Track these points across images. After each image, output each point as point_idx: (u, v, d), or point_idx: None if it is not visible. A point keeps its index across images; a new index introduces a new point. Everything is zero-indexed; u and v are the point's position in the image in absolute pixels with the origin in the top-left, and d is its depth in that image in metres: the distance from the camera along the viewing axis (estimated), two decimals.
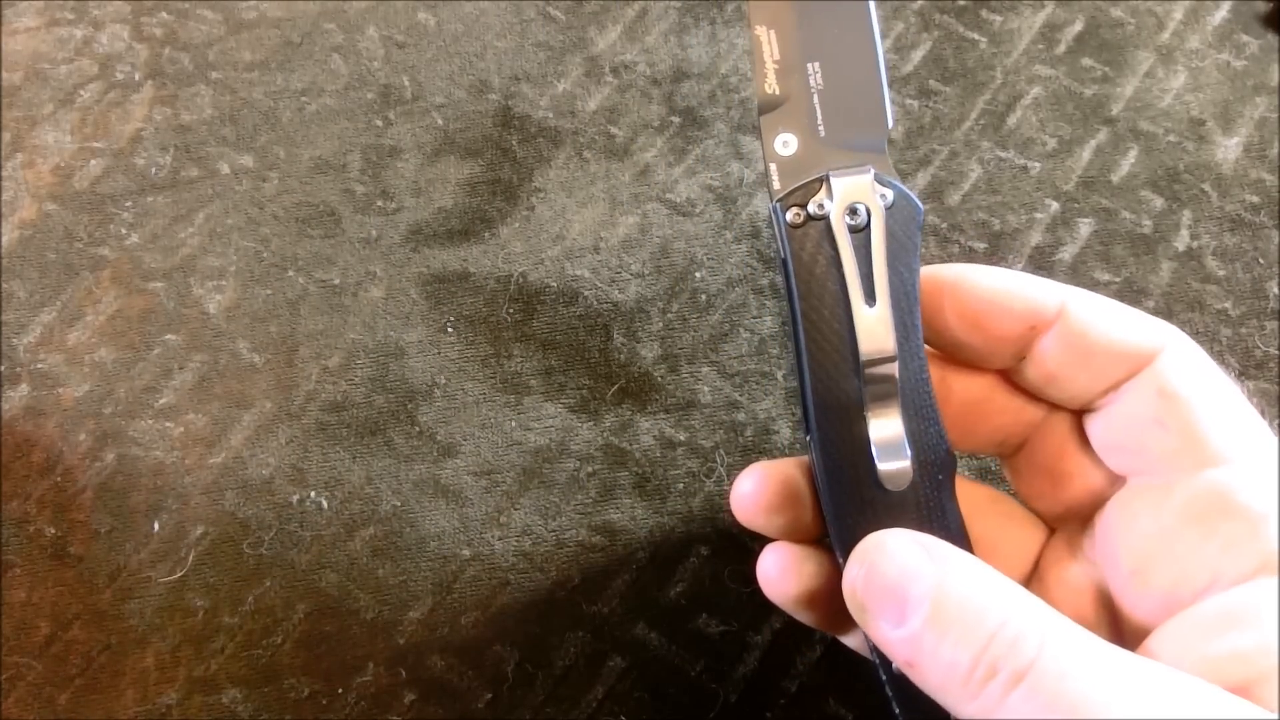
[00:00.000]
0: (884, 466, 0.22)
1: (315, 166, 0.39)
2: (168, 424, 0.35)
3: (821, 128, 0.24)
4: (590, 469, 0.34)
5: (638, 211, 0.38)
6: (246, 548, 0.33)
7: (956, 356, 0.25)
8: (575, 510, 0.34)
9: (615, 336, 0.36)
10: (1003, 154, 0.38)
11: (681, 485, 0.34)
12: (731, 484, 0.32)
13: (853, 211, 0.23)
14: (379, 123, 0.39)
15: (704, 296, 0.37)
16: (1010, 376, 0.25)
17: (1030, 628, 0.19)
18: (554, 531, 0.33)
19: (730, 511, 0.33)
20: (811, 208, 0.23)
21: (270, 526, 0.33)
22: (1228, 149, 0.38)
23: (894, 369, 0.22)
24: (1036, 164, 0.38)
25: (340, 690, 0.32)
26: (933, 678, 0.19)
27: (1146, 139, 0.38)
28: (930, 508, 0.23)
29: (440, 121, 0.39)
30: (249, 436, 0.35)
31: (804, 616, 0.26)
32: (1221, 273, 0.36)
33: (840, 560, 0.23)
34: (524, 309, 0.36)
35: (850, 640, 0.27)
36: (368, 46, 0.41)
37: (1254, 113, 0.39)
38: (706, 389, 0.35)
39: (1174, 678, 0.18)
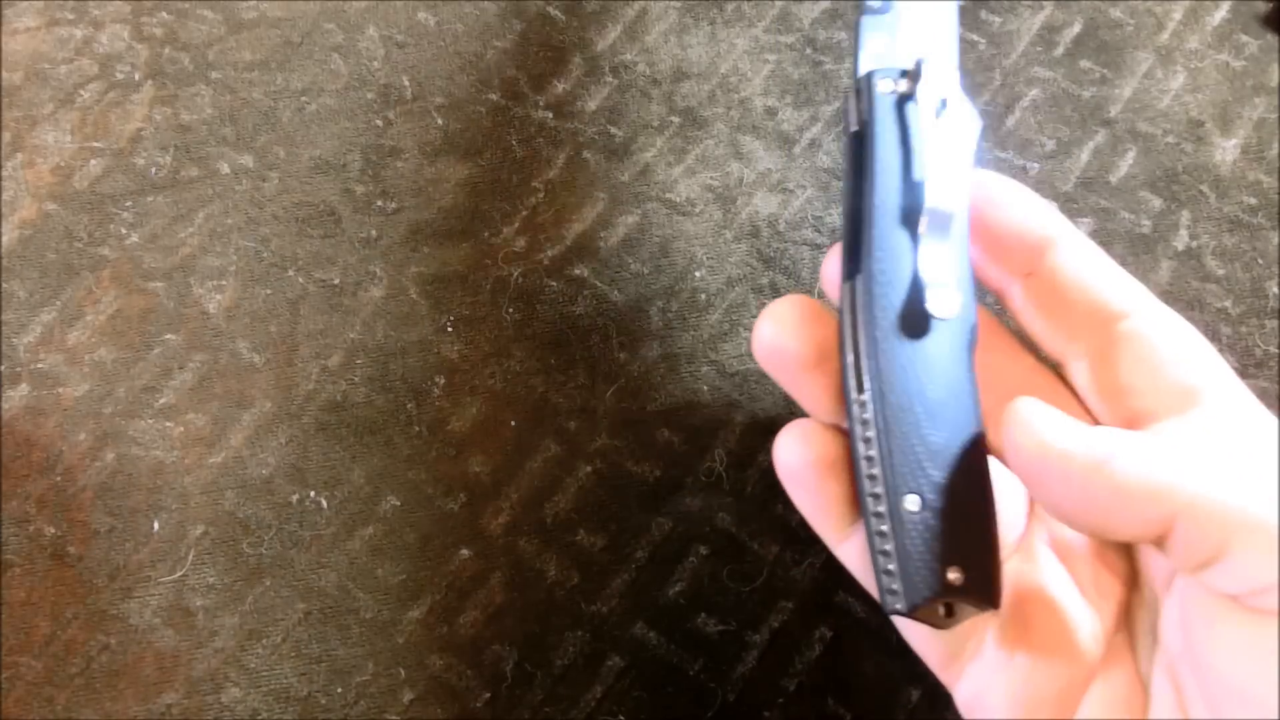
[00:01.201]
0: (933, 294, 0.24)
1: (315, 166, 0.39)
2: (168, 424, 0.35)
3: (909, 40, 0.27)
4: (590, 468, 0.34)
5: (637, 211, 0.38)
6: (246, 547, 0.33)
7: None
8: (574, 510, 0.34)
9: (615, 336, 0.36)
10: (1001, 155, 0.38)
11: (681, 485, 0.34)
12: (732, 480, 0.32)
13: (938, 99, 0.25)
14: (379, 123, 0.39)
15: (703, 296, 0.37)
16: (1010, 300, 0.27)
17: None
18: (553, 531, 0.33)
19: (729, 511, 0.34)
20: (902, 85, 0.25)
21: (270, 526, 0.34)
22: (1226, 150, 0.38)
23: (951, 222, 0.24)
24: (1035, 165, 0.38)
25: (339, 689, 0.32)
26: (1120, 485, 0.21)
27: (1145, 140, 0.38)
28: (966, 343, 0.24)
29: (440, 121, 0.39)
30: (249, 436, 0.35)
31: (820, 500, 0.26)
32: (1221, 272, 0.36)
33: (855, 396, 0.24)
34: (524, 309, 0.36)
35: (847, 550, 0.27)
36: (368, 46, 0.41)
37: (1253, 114, 0.39)
38: (706, 388, 0.35)
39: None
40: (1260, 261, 0.36)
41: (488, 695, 0.32)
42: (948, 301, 0.24)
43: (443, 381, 0.35)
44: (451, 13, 0.41)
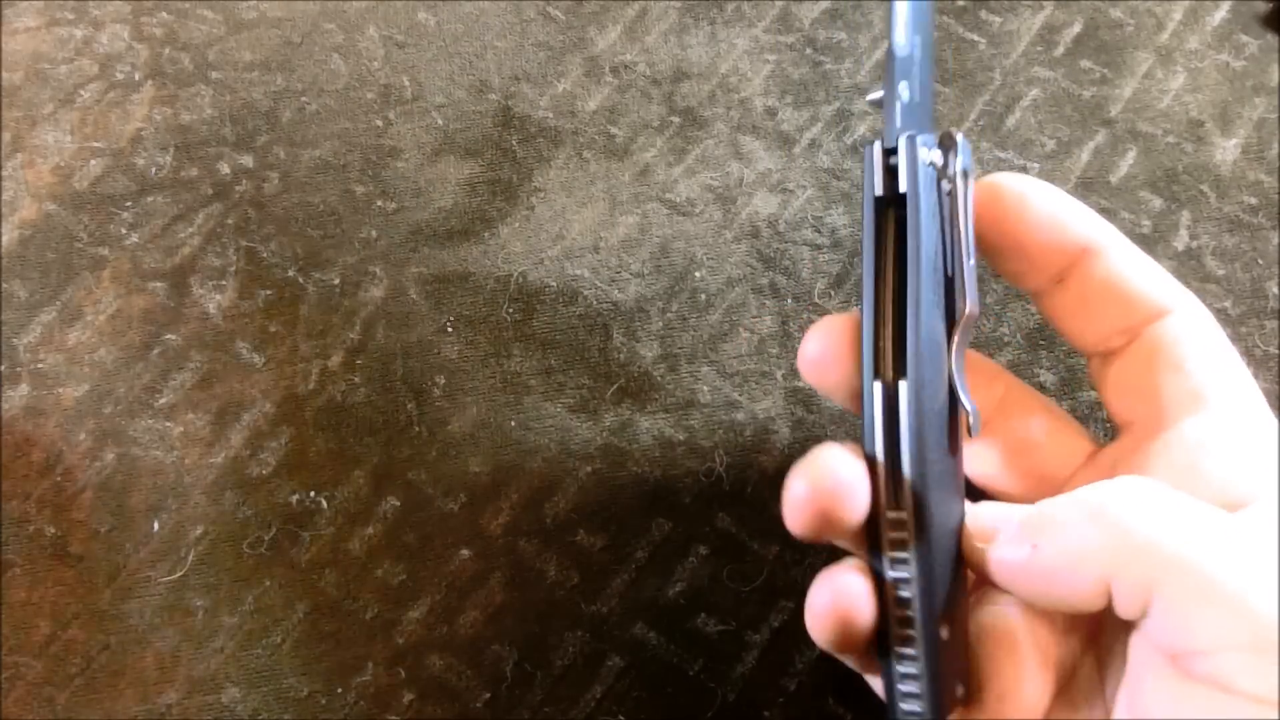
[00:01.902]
0: (972, 411, 0.23)
1: (315, 166, 0.39)
2: (168, 424, 0.35)
3: (917, 93, 0.25)
4: (590, 468, 0.34)
5: (637, 211, 0.38)
6: (246, 548, 0.33)
7: (994, 266, 0.26)
8: (574, 510, 0.34)
9: (615, 336, 0.36)
10: (1002, 155, 0.38)
11: (681, 485, 0.34)
12: (732, 480, 0.32)
13: (964, 172, 0.24)
14: (379, 123, 0.39)
15: (704, 296, 0.37)
16: (1040, 300, 0.26)
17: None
18: (553, 531, 0.33)
19: (728, 511, 0.34)
20: (941, 158, 0.24)
21: (270, 526, 0.34)
22: (1226, 150, 0.38)
23: (973, 321, 0.24)
24: (1035, 165, 0.38)
25: (339, 690, 0.32)
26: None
27: (1145, 140, 0.38)
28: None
29: (440, 121, 0.39)
30: (249, 436, 0.35)
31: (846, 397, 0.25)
32: (1221, 272, 0.36)
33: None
34: (524, 309, 0.36)
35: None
36: (368, 46, 0.41)
37: (1253, 114, 0.39)
38: (706, 389, 0.35)
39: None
40: (1260, 261, 0.36)
41: (488, 695, 0.32)
42: (976, 418, 0.24)
43: (443, 381, 0.35)
44: (451, 13, 0.41)
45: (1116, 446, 0.26)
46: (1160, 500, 0.21)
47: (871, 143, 0.24)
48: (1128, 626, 0.22)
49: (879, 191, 0.24)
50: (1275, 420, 0.24)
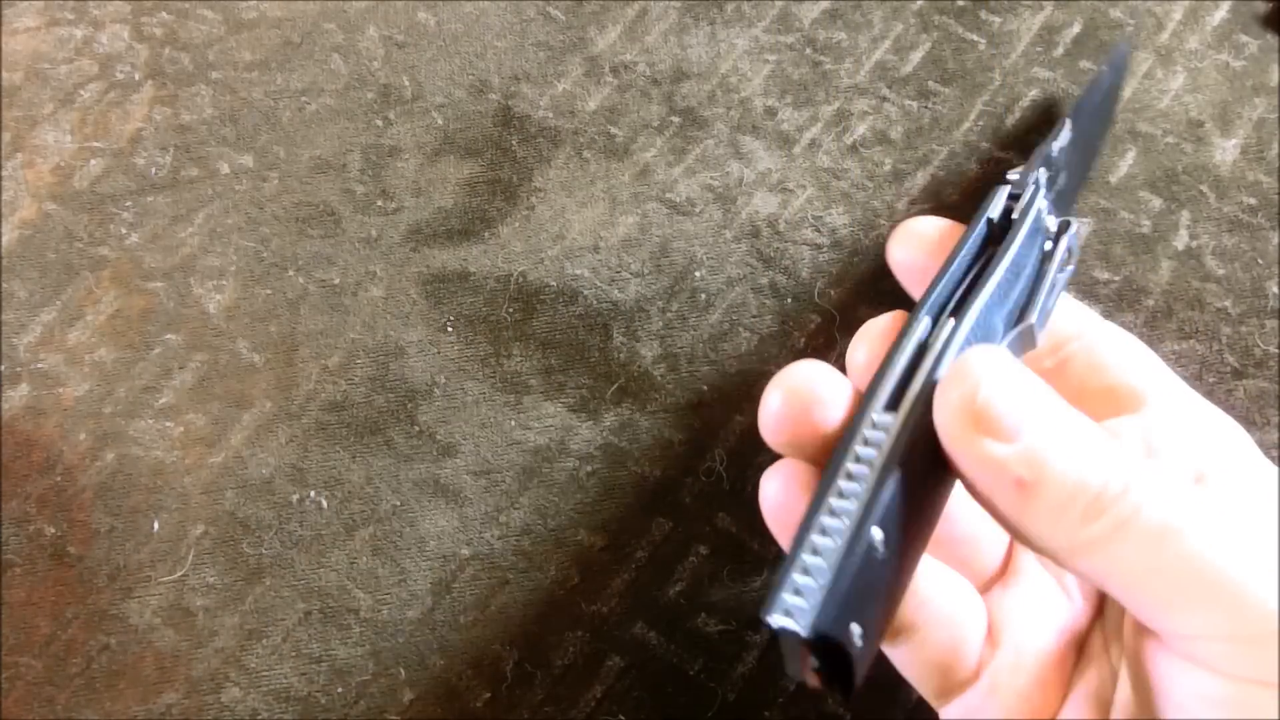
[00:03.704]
0: None
1: (315, 166, 0.39)
2: (168, 424, 0.35)
3: (1052, 190, 0.29)
4: (590, 468, 0.34)
5: (637, 211, 0.38)
6: (246, 547, 0.33)
7: None
8: (575, 510, 0.34)
9: (615, 336, 0.36)
10: (1001, 155, 0.38)
11: (681, 485, 0.34)
12: (732, 480, 0.32)
13: (1070, 250, 0.27)
14: (379, 123, 0.39)
15: (704, 296, 0.37)
16: None
17: (1145, 470, 0.20)
18: (553, 531, 0.33)
19: (728, 511, 0.34)
20: (1050, 221, 0.27)
21: (270, 526, 0.34)
22: (1226, 150, 0.38)
23: (1026, 349, 0.26)
24: None
25: (339, 689, 0.32)
26: (1052, 497, 0.19)
27: (1145, 140, 0.38)
28: None
29: (440, 121, 0.39)
30: (249, 436, 0.35)
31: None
32: (1221, 272, 0.36)
33: None
34: (524, 308, 0.36)
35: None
36: (368, 46, 0.41)
37: (1252, 114, 0.39)
38: (706, 389, 0.35)
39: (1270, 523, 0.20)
40: (1260, 261, 0.36)
41: (488, 695, 0.32)
42: None
43: (443, 381, 0.35)
44: (451, 13, 0.41)
45: None
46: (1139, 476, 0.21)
47: (1001, 187, 0.27)
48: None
49: (994, 215, 0.27)
50: (1212, 406, 0.24)
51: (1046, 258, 0.27)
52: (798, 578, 0.20)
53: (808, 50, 0.40)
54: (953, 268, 0.26)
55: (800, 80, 0.40)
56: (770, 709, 0.31)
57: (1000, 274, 0.25)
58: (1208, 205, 0.37)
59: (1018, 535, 0.21)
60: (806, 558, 0.20)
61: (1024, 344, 0.25)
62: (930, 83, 0.40)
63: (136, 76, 0.40)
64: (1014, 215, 0.27)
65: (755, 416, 0.26)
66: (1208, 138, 0.38)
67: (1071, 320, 0.27)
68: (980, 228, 0.26)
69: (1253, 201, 0.37)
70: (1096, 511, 0.19)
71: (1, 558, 0.33)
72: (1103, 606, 0.25)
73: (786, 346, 0.36)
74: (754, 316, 0.36)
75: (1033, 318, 0.25)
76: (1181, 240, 0.37)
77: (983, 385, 0.20)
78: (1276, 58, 0.40)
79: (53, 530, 0.33)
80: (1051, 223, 0.27)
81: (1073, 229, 0.27)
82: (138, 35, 0.41)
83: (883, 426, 0.22)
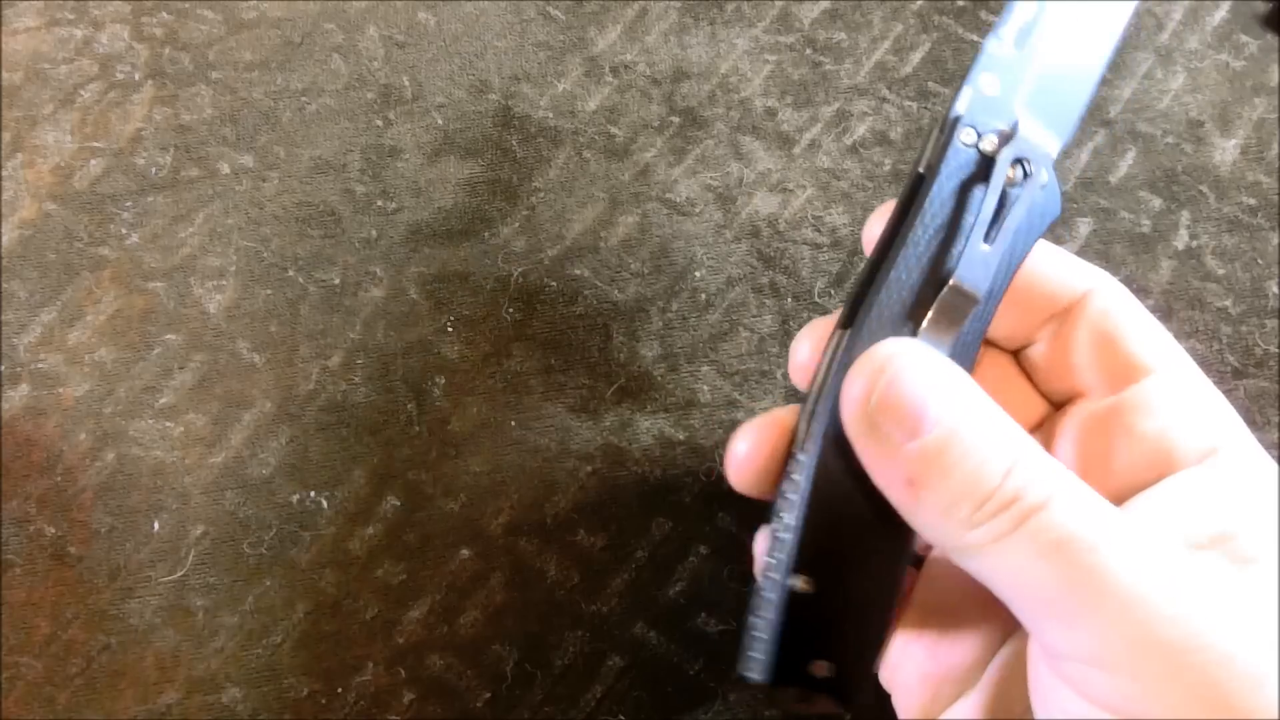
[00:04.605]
0: None
1: (315, 166, 0.39)
2: (168, 424, 0.35)
3: (1024, 100, 0.24)
4: (590, 468, 0.34)
5: (637, 211, 0.38)
6: (246, 548, 0.33)
7: None
8: (574, 510, 0.34)
9: (615, 336, 0.36)
10: None
11: (681, 485, 0.34)
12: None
13: (1021, 169, 0.23)
14: (379, 123, 0.39)
15: (704, 296, 0.37)
16: None
17: (1045, 473, 0.19)
18: (553, 531, 0.33)
19: (728, 510, 0.34)
20: (985, 144, 0.23)
21: (270, 526, 0.34)
22: (1225, 150, 0.38)
23: (970, 308, 0.22)
24: None
25: (339, 690, 0.32)
26: (937, 500, 0.19)
27: (1145, 140, 0.38)
28: None
29: (440, 121, 0.39)
30: (249, 436, 0.35)
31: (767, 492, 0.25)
32: (1221, 271, 0.36)
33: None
34: (524, 308, 0.36)
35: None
36: (368, 46, 0.41)
37: (1252, 114, 0.39)
38: (706, 388, 0.35)
39: (1171, 544, 0.19)
40: (1260, 261, 0.36)
41: (488, 695, 0.32)
42: None
43: (443, 381, 0.35)
44: (451, 13, 0.41)
45: (1063, 420, 0.25)
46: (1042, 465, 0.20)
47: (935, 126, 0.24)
48: None
49: (920, 169, 0.23)
50: (1209, 382, 0.24)
51: (983, 187, 0.23)
52: (753, 631, 0.22)
53: (808, 50, 0.40)
54: (872, 251, 0.23)
55: (800, 80, 0.40)
56: (770, 709, 0.31)
57: (908, 244, 0.22)
58: (1208, 205, 0.37)
59: (917, 530, 0.21)
60: (755, 612, 0.22)
61: (958, 308, 0.22)
62: (930, 83, 0.40)
63: (136, 76, 0.40)
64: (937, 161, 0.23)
65: (755, 415, 0.26)
66: (1208, 138, 0.38)
67: (1077, 277, 0.25)
68: (906, 189, 0.23)
69: (1253, 201, 0.37)
70: (985, 516, 0.19)
71: (1, 558, 0.33)
72: None
73: (786, 346, 0.36)
74: (754, 316, 0.36)
75: (953, 273, 0.22)
76: (1181, 240, 0.37)
77: (880, 381, 0.20)
78: (1276, 58, 0.40)
79: (53, 530, 0.33)
80: (988, 140, 0.23)
81: (1015, 140, 0.22)
82: (138, 35, 0.41)
83: (803, 462, 0.22)
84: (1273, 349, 0.35)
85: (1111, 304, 0.24)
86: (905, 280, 0.22)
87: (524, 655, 0.32)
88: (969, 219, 0.22)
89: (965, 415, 0.20)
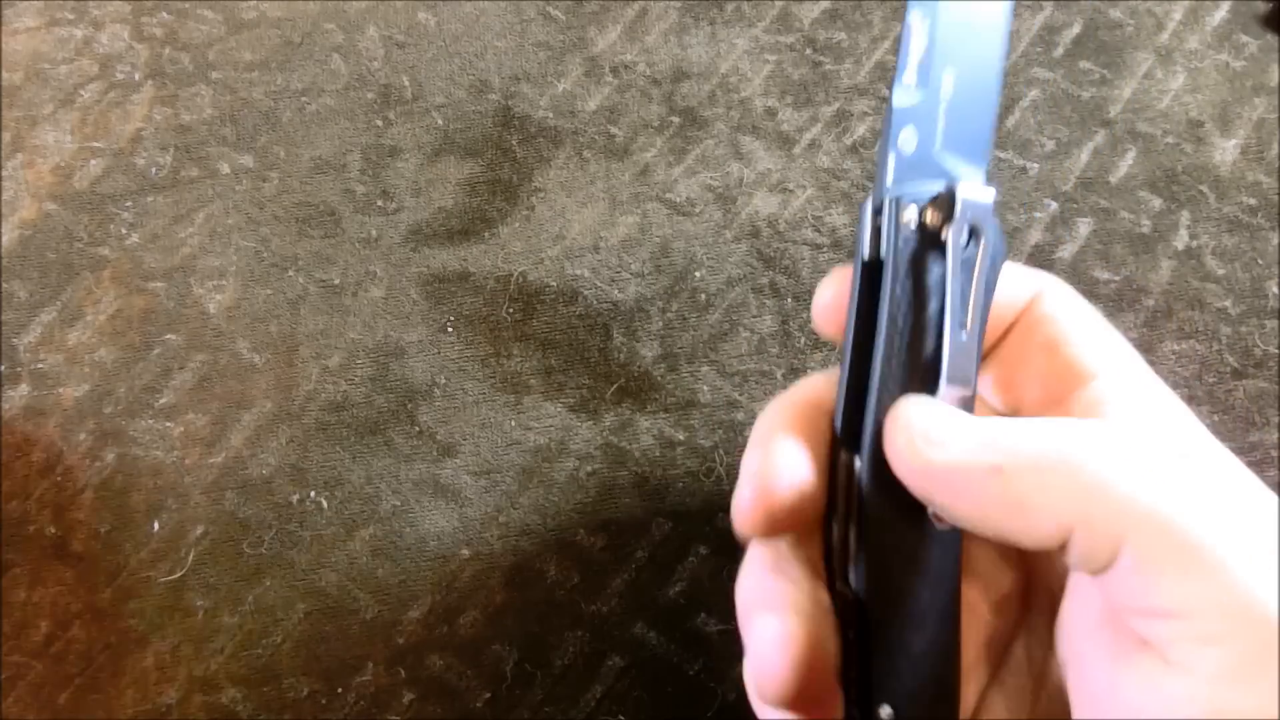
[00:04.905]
0: None
1: (315, 166, 0.39)
2: (168, 424, 0.35)
3: (940, 139, 0.23)
4: (590, 468, 0.34)
5: (637, 211, 0.38)
6: (246, 547, 0.33)
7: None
8: (574, 510, 0.34)
9: (615, 336, 0.36)
10: (1001, 155, 0.38)
11: (681, 485, 0.34)
12: (732, 480, 0.32)
13: (972, 232, 0.21)
14: (379, 123, 0.39)
15: (704, 296, 0.37)
16: None
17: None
18: (553, 531, 0.33)
19: (728, 513, 0.34)
20: (929, 216, 0.21)
21: (270, 526, 0.34)
22: (1225, 150, 0.38)
23: (969, 400, 0.21)
24: (1035, 165, 0.38)
25: (339, 690, 0.32)
26: (1029, 471, 0.20)
27: (1145, 140, 0.38)
28: (959, 535, 0.22)
29: (440, 121, 0.39)
30: (249, 436, 0.35)
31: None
32: (1221, 271, 0.36)
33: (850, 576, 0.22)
34: (524, 308, 0.36)
35: None
36: (368, 46, 0.41)
37: (1252, 114, 0.39)
38: (706, 388, 0.35)
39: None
40: (1260, 261, 0.36)
41: (488, 695, 0.32)
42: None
43: (443, 381, 0.35)
44: (451, 13, 0.41)
45: None
46: (1136, 450, 0.20)
47: (866, 200, 0.22)
48: (1052, 611, 0.22)
49: (866, 255, 0.21)
50: (1161, 382, 0.23)
51: (953, 264, 0.21)
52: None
53: (808, 50, 0.40)
54: (847, 331, 0.22)
55: (800, 80, 0.40)
56: None
57: (889, 353, 0.21)
58: (1208, 205, 0.37)
59: (1012, 535, 0.20)
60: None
61: (959, 401, 0.21)
62: None
63: (136, 76, 0.40)
64: (881, 249, 0.21)
65: (755, 415, 0.25)
66: (1208, 138, 0.38)
67: (1019, 286, 0.24)
68: (858, 280, 0.22)
69: (1253, 201, 0.37)
70: (1083, 479, 0.19)
71: (2, 558, 0.33)
72: (1028, 617, 0.24)
73: (786, 346, 0.36)
74: (754, 316, 0.36)
75: (942, 387, 0.21)
76: (1181, 240, 0.37)
77: (916, 416, 0.20)
78: (1276, 58, 0.40)
79: (53, 530, 0.33)
80: (930, 215, 0.21)
81: (963, 207, 0.21)
82: (138, 35, 0.41)
83: (846, 601, 0.22)
84: (1272, 349, 0.35)
85: (1055, 309, 0.24)
86: (898, 392, 0.22)
87: (524, 655, 0.32)
88: (934, 305, 0.21)
89: (999, 420, 0.20)
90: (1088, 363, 0.23)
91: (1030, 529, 0.20)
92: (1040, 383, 0.23)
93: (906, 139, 0.22)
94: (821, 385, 0.23)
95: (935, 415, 0.21)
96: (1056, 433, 0.20)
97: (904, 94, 0.22)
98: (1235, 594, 0.18)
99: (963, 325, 0.21)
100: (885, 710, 0.21)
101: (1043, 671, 0.23)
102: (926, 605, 0.22)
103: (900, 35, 0.22)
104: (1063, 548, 0.20)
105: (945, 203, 0.21)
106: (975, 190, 0.21)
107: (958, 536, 0.22)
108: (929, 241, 0.21)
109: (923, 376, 0.21)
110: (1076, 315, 0.23)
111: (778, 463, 0.22)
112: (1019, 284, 0.24)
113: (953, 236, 0.21)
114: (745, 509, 0.22)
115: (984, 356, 0.24)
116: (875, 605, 0.22)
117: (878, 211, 0.21)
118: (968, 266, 0.21)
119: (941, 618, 0.22)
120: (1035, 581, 0.24)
